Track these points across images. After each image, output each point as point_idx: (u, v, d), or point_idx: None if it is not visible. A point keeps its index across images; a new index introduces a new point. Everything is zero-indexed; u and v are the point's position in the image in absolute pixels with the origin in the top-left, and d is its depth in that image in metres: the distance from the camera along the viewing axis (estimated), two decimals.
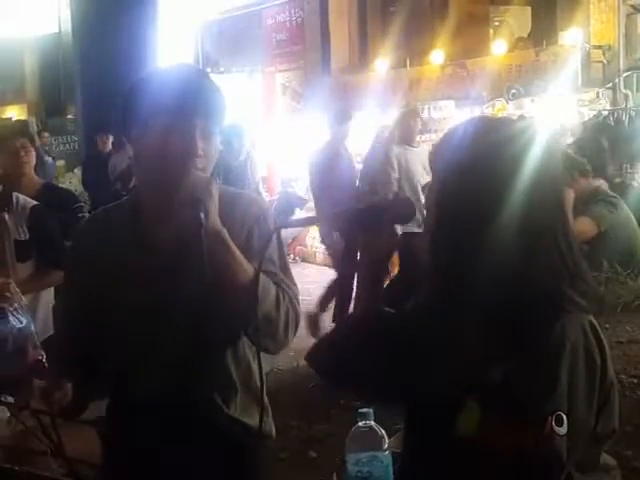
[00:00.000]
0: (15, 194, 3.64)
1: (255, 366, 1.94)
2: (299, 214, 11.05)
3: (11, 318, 2.85)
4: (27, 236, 3.56)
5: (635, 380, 3.52)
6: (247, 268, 1.81)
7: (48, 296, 3.72)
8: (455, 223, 1.46)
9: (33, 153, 4.12)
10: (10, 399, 2.53)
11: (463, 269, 1.45)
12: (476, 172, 1.44)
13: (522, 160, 1.45)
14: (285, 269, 1.97)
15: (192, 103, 1.83)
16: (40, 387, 2.15)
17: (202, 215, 1.74)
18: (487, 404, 1.38)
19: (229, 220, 1.88)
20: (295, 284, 1.98)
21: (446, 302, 1.46)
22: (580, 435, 1.41)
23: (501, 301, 1.42)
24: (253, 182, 10.19)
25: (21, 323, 2.88)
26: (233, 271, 1.80)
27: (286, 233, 10.93)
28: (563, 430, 1.36)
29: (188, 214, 1.74)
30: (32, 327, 2.89)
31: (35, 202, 3.64)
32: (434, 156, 1.57)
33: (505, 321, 1.41)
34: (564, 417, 1.36)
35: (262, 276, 1.81)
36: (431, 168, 1.58)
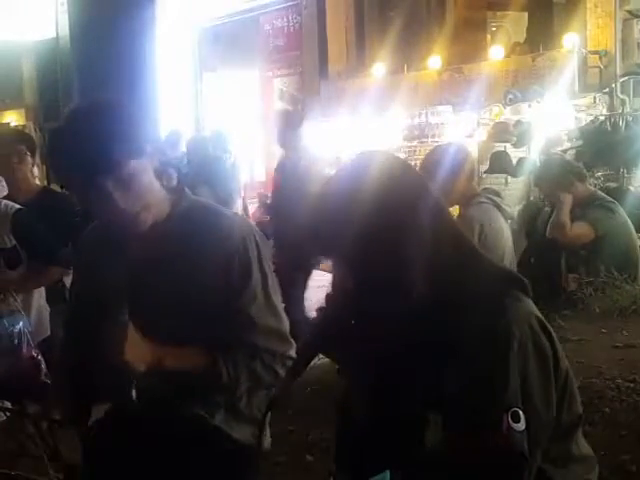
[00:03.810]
0: None
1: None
2: None
3: (5, 318, 2.86)
4: (12, 242, 3.56)
5: (632, 384, 3.52)
6: (205, 367, 1.80)
7: (40, 299, 3.73)
8: (372, 256, 1.45)
9: (29, 159, 4.17)
10: (7, 404, 2.53)
11: (395, 291, 1.47)
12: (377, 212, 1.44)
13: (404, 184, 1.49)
14: (269, 303, 1.87)
15: (94, 163, 1.74)
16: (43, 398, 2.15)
17: (133, 394, 1.76)
18: (445, 414, 1.40)
19: (205, 246, 1.82)
20: (280, 317, 1.89)
21: (390, 324, 1.48)
22: (541, 427, 1.42)
23: (439, 311, 1.44)
24: (238, 185, 10.62)
25: (17, 323, 2.89)
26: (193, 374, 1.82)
27: None
28: (521, 426, 1.37)
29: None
30: (27, 327, 2.90)
31: (18, 206, 3.64)
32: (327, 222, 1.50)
33: (446, 330, 1.43)
34: (520, 413, 1.38)
35: (225, 371, 1.81)
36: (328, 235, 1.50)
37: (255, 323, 1.85)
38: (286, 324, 1.93)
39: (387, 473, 1.60)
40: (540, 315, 1.49)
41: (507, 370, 1.38)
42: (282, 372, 1.87)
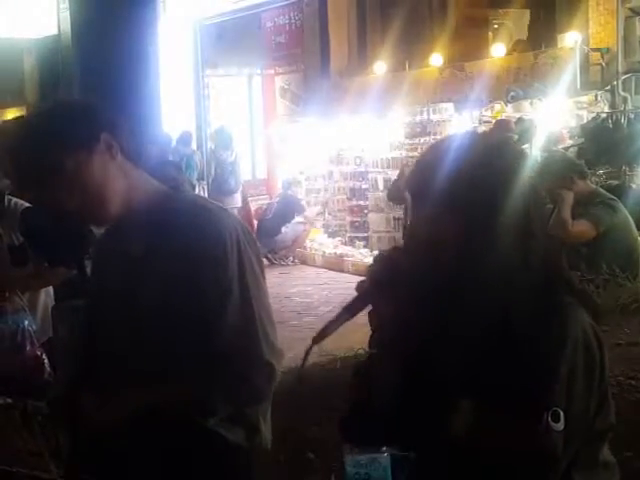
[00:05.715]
0: (8, 197, 3.64)
1: None
2: (297, 219, 11.10)
3: (10, 317, 2.86)
4: (20, 240, 3.55)
5: (633, 382, 3.52)
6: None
7: (47, 298, 3.71)
8: (453, 234, 1.46)
9: None
10: (9, 400, 2.53)
11: (463, 271, 1.46)
12: (475, 183, 1.46)
13: (516, 169, 1.50)
14: (245, 301, 1.79)
15: (26, 176, 1.85)
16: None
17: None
18: (483, 402, 1.39)
19: (177, 238, 1.77)
20: (252, 318, 1.80)
21: (445, 303, 1.46)
22: (577, 431, 1.41)
23: (499, 300, 1.43)
24: (240, 178, 11.71)
25: (22, 322, 2.88)
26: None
27: (286, 235, 10.93)
28: (560, 426, 1.37)
29: None
30: (32, 325, 2.89)
31: (27, 204, 3.63)
32: (422, 180, 1.52)
33: (504, 319, 1.42)
34: (561, 413, 1.37)
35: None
36: (418, 191, 1.53)
37: (227, 325, 1.78)
38: (262, 328, 1.83)
39: (387, 456, 1.60)
40: (595, 325, 1.50)
41: (557, 369, 1.39)
42: (257, 379, 1.83)
